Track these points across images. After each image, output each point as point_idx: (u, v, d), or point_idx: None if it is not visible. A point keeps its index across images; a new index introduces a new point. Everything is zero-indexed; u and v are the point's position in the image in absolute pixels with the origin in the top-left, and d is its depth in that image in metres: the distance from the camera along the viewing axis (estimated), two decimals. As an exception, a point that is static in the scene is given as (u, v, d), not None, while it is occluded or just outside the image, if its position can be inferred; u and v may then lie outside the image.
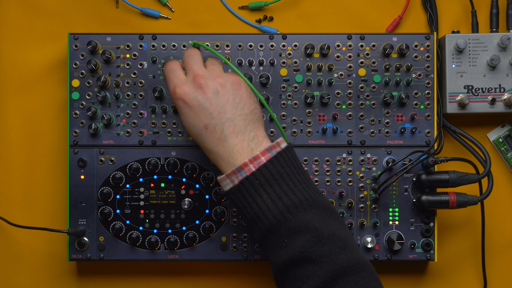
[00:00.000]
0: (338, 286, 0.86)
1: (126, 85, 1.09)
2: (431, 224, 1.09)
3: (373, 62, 1.09)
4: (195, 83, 0.94)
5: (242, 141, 0.92)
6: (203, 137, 0.93)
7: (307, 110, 1.09)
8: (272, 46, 1.09)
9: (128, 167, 1.08)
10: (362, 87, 1.09)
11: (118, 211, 1.08)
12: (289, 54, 1.09)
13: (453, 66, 1.09)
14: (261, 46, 1.09)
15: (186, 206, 1.08)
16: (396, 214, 1.09)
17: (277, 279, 0.92)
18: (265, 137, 0.94)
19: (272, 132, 1.08)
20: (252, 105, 0.95)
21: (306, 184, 0.92)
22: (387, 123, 1.09)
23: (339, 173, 1.09)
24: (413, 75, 1.09)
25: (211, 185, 1.08)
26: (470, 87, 1.09)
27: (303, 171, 0.93)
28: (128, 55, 1.08)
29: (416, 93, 1.08)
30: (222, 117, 0.92)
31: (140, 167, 1.08)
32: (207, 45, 1.08)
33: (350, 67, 1.09)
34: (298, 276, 0.88)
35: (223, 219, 1.09)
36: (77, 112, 1.08)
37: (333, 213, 0.92)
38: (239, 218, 1.09)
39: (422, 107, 1.09)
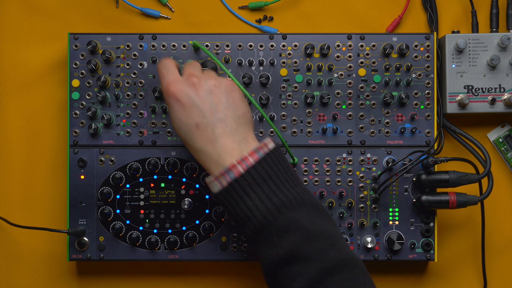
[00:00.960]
0: (329, 282, 0.86)
1: (126, 85, 1.09)
2: (431, 224, 1.09)
3: (373, 62, 1.09)
4: (188, 81, 0.94)
5: (232, 142, 0.92)
6: (193, 136, 0.93)
7: (307, 110, 1.09)
8: (272, 46, 1.09)
9: (128, 167, 1.08)
10: (362, 87, 1.09)
11: (118, 211, 1.08)
12: (289, 54, 1.09)
13: (453, 66, 1.09)
14: (261, 46, 1.09)
15: (186, 206, 1.08)
16: (396, 214, 1.09)
17: (268, 279, 0.92)
18: (254, 139, 0.95)
19: (271, 132, 1.08)
20: (244, 108, 0.96)
21: (294, 183, 0.92)
22: (387, 123, 1.09)
23: (339, 173, 1.09)
24: (413, 75, 1.09)
25: (211, 185, 1.08)
26: (470, 87, 1.09)
27: (290, 170, 0.94)
28: (128, 55, 1.08)
29: (416, 93, 1.08)
30: (214, 116, 0.93)
31: (140, 167, 1.08)
32: (207, 45, 1.08)
33: (350, 67, 1.09)
34: (289, 274, 0.88)
35: (223, 219, 1.09)
36: (77, 112, 1.08)
37: (321, 211, 0.92)
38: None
39: (422, 107, 1.09)
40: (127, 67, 1.08)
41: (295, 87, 1.09)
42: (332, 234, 0.90)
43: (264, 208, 0.89)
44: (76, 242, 1.08)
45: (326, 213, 0.93)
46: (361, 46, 1.09)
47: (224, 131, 0.92)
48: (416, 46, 1.08)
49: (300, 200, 0.91)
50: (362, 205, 1.09)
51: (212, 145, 0.92)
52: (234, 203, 0.91)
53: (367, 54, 1.09)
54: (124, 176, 1.08)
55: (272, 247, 0.89)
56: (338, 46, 1.09)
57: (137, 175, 1.08)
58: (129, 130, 1.09)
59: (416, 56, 1.08)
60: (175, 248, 1.08)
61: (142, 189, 1.08)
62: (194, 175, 1.08)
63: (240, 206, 0.91)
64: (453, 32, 1.10)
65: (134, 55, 1.08)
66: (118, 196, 1.08)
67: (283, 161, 0.93)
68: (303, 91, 1.09)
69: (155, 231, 1.09)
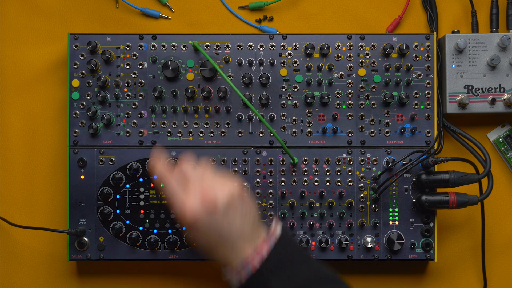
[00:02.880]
0: None
1: (126, 85, 1.09)
2: (431, 224, 1.08)
3: (373, 62, 1.09)
4: (205, 207, 0.91)
5: (249, 243, 0.92)
6: (213, 251, 0.93)
7: (307, 110, 1.09)
8: (272, 46, 1.09)
9: (128, 167, 1.08)
10: (362, 87, 1.09)
11: (118, 211, 1.08)
12: (289, 54, 1.09)
13: (453, 66, 1.09)
14: (261, 46, 1.09)
15: (186, 206, 1.07)
16: (396, 214, 1.09)
17: None
18: (263, 229, 0.95)
19: (270, 133, 1.08)
20: (254, 206, 0.95)
21: (308, 262, 0.93)
22: (387, 123, 1.09)
23: (339, 173, 1.09)
24: (413, 75, 1.09)
25: (211, 185, 1.08)
26: (470, 87, 1.09)
27: (301, 250, 0.94)
28: (128, 55, 1.08)
29: (416, 93, 1.08)
30: (233, 233, 0.92)
31: (140, 167, 1.08)
32: (207, 45, 1.08)
33: (350, 67, 1.09)
34: None
35: (223, 219, 1.09)
36: (77, 112, 1.08)
37: (338, 282, 0.93)
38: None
39: (422, 107, 1.09)
40: (127, 67, 1.08)
41: (295, 87, 1.09)
42: None
43: None
44: (76, 242, 1.08)
45: (342, 282, 0.93)
46: (361, 46, 1.09)
47: (243, 239, 0.92)
48: (416, 46, 1.08)
49: (319, 277, 0.91)
50: (362, 205, 1.09)
51: (230, 252, 0.92)
52: None
53: (367, 54, 1.09)
54: (124, 176, 1.08)
55: None
56: (338, 46, 1.09)
57: (137, 175, 1.08)
58: (129, 130, 1.09)
59: (416, 56, 1.08)
60: (175, 248, 1.08)
61: (142, 189, 1.08)
62: (194, 175, 1.08)
63: None
64: (453, 32, 1.10)
65: (134, 55, 1.08)
66: (118, 196, 1.08)
67: (293, 242, 0.94)
68: (303, 91, 1.09)
69: (155, 231, 1.09)
